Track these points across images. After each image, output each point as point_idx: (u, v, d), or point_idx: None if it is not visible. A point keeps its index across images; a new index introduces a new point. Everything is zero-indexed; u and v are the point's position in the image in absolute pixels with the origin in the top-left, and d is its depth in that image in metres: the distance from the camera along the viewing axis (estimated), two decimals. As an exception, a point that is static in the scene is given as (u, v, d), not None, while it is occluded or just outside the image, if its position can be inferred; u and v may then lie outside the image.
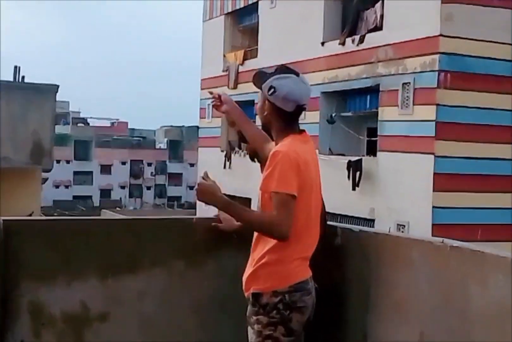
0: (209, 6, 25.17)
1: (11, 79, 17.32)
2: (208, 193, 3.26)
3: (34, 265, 4.01)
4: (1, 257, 3.89)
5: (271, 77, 3.19)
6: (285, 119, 3.21)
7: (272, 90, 3.15)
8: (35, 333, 4.00)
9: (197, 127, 28.53)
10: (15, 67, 17.77)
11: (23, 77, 17.55)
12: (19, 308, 3.97)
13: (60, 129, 49.74)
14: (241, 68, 21.98)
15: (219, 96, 3.79)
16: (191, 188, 56.22)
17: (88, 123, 76.31)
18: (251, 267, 3.16)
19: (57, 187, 62.16)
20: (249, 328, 3.09)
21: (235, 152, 21.64)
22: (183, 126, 70.54)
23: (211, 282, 4.23)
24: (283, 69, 3.31)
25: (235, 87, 21.80)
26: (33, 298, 4.00)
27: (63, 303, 4.05)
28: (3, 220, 3.99)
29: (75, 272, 4.08)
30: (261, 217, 3.15)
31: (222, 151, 22.46)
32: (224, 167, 21.89)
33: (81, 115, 77.11)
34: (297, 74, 3.27)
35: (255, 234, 3.22)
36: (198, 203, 24.89)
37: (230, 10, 23.75)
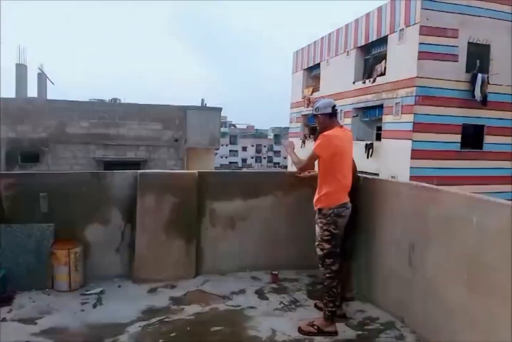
0: (295, 65, 24.71)
1: (199, 104, 17.79)
2: (289, 145, 3.57)
3: (211, 190, 4.15)
4: (197, 188, 4.06)
5: (314, 106, 3.20)
6: (330, 117, 3.14)
7: (317, 108, 3.15)
8: (212, 224, 4.16)
9: (288, 127, 28.10)
10: (202, 99, 18.27)
11: (205, 104, 17.95)
12: (204, 212, 4.13)
13: (222, 129, 50.37)
14: (311, 97, 21.58)
15: (309, 98, 3.85)
16: (285, 158, 56.12)
17: (236, 126, 77.06)
18: (318, 194, 3.12)
19: (221, 157, 63.32)
20: (316, 225, 3.07)
21: (307, 139, 21.37)
22: (281, 127, 70.19)
23: (296, 201, 4.24)
24: (316, 100, 3.34)
25: (307, 107, 21.43)
26: (211, 207, 4.15)
27: (225, 210, 4.17)
28: (198, 171, 4.16)
29: (230, 195, 4.18)
30: (298, 160, 3.24)
31: (300, 139, 22.16)
32: (301, 147, 21.60)
33: (233, 122, 77.81)
34: (322, 99, 3.34)
35: (319, 178, 3.17)
36: (288, 165, 24.88)
37: (305, 67, 23.23)
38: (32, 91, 21.04)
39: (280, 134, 69.92)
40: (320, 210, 3.06)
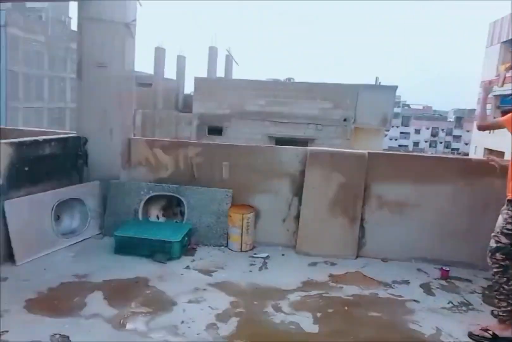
0: (491, 38, 21.30)
1: (373, 83, 17.05)
2: (485, 88, 3.37)
3: (380, 172, 3.94)
4: (366, 168, 3.91)
5: None
6: None
7: None
8: (378, 207, 3.96)
9: (474, 109, 24.72)
10: (376, 77, 17.45)
11: (380, 82, 17.12)
12: (371, 193, 3.96)
13: (395, 110, 47.43)
14: (507, 74, 18.33)
15: None
16: (466, 144, 49.61)
17: (410, 106, 71.48)
18: (509, 182, 2.68)
19: (390, 139, 60.03)
20: (500, 215, 2.66)
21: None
22: (464, 109, 62.29)
23: (481, 193, 3.71)
24: None
25: (502, 86, 18.36)
26: (378, 189, 3.94)
27: (394, 194, 3.92)
28: (368, 152, 3.99)
29: (400, 179, 3.90)
30: (483, 115, 3.14)
31: (488, 123, 19.25)
32: (489, 132, 18.76)
33: (407, 102, 72.30)
34: None
35: (509, 174, 2.72)
36: (470, 152, 21.99)
37: (504, 39, 19.78)
38: (220, 71, 23.43)
39: (463, 117, 62.26)
40: (510, 200, 2.62)
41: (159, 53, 20.40)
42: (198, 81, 17.45)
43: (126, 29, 4.39)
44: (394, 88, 15.82)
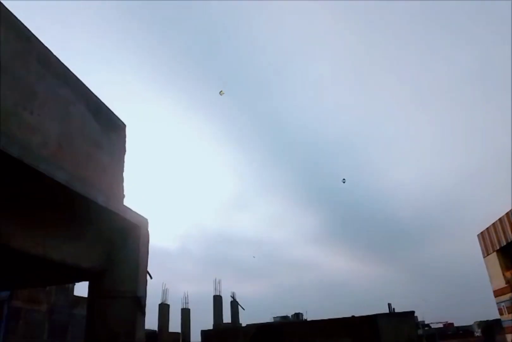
0: (484, 249, 21.88)
1: (387, 311, 16.30)
2: None
3: None
4: None
5: None
6: None
7: None
8: None
9: (499, 319, 22.65)
10: (389, 304, 16.85)
11: (393, 308, 16.39)
12: None
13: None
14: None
15: None
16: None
17: (430, 326, 65.48)
18: None
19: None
20: None
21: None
22: (487, 320, 57.03)
23: None
24: None
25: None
26: None
27: None
28: None
29: None
30: None
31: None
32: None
33: (425, 322, 66.73)
34: None
35: None
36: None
37: (498, 248, 20.30)
38: (226, 318, 22.48)
39: (493, 329, 55.78)
40: None
41: (163, 309, 20.04)
42: (205, 333, 16.41)
43: (137, 303, 4.37)
44: (411, 313, 14.97)
